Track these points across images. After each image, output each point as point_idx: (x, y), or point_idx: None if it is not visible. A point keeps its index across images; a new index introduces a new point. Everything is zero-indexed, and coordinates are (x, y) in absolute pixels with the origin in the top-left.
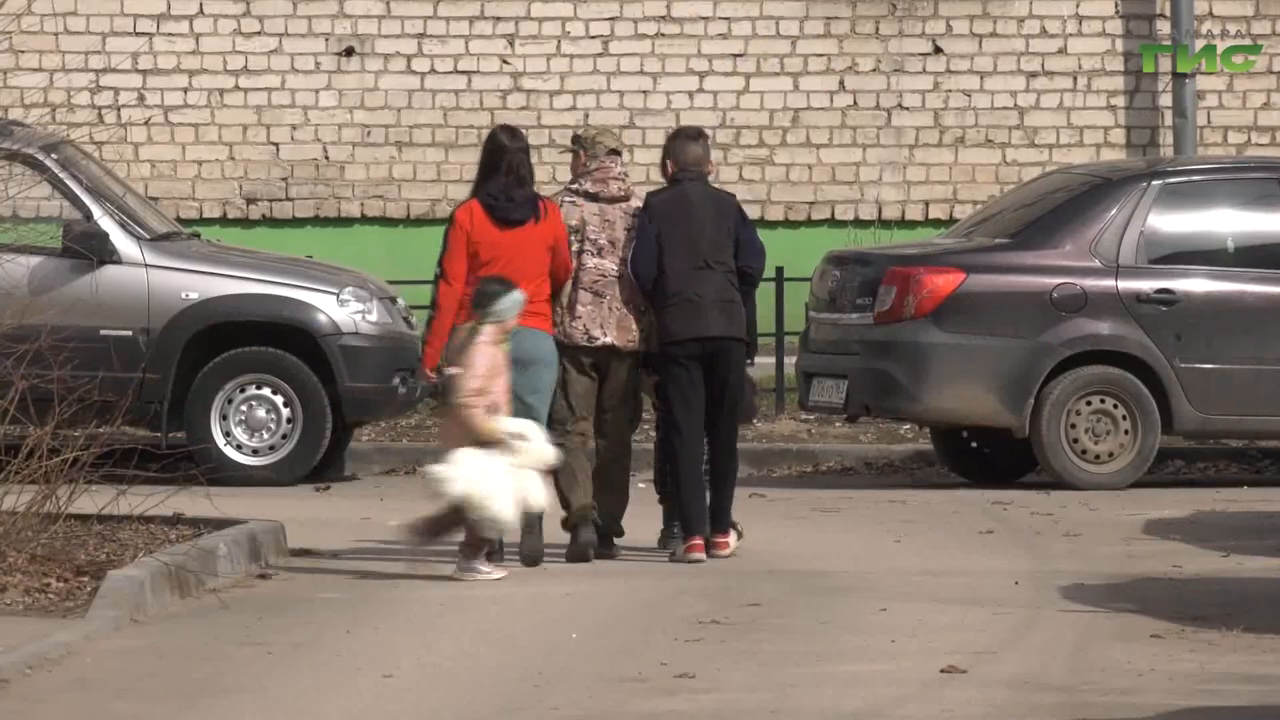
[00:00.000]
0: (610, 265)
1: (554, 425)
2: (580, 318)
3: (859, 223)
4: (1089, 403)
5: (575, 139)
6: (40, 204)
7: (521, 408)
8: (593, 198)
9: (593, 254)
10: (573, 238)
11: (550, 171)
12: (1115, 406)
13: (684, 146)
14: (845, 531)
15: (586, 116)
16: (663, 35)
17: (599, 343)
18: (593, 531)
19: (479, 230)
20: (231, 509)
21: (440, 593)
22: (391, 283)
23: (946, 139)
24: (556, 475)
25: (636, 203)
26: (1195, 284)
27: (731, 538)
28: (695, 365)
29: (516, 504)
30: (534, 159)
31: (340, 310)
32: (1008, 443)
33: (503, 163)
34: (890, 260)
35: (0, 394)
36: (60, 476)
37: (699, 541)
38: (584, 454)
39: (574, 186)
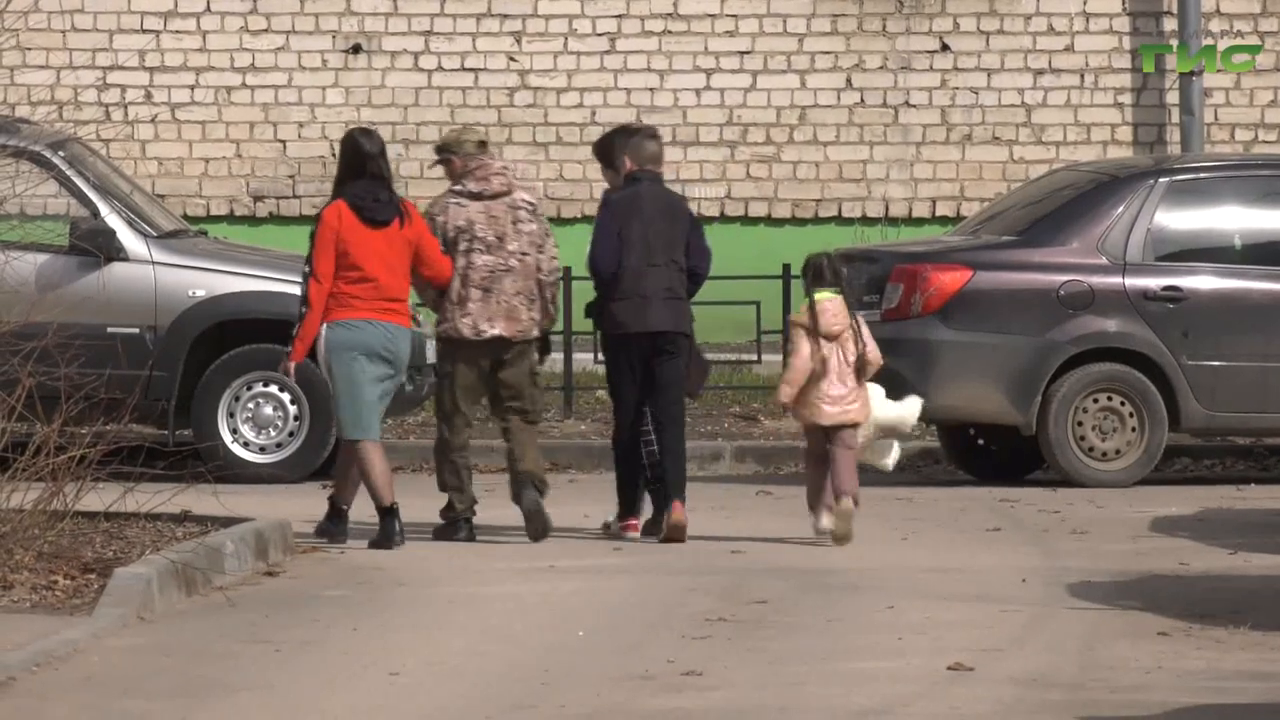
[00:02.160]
0: (500, 261)
1: (443, 418)
2: (470, 314)
3: (866, 220)
4: (1096, 400)
5: (442, 148)
6: (47, 201)
7: (378, 398)
8: (476, 196)
9: (482, 251)
10: (461, 237)
11: (557, 169)
12: (1122, 404)
13: (641, 146)
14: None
15: (594, 114)
16: (670, 33)
17: (486, 335)
18: (536, 497)
19: (348, 230)
20: (238, 506)
21: (447, 590)
22: None
23: (953, 136)
24: (441, 467)
25: (521, 195)
26: (1202, 281)
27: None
28: (638, 354)
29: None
30: (541, 156)
31: None
32: (1015, 440)
33: (365, 165)
34: (897, 258)
35: (7, 391)
36: (67, 474)
37: (634, 522)
38: (468, 445)
39: (457, 189)
